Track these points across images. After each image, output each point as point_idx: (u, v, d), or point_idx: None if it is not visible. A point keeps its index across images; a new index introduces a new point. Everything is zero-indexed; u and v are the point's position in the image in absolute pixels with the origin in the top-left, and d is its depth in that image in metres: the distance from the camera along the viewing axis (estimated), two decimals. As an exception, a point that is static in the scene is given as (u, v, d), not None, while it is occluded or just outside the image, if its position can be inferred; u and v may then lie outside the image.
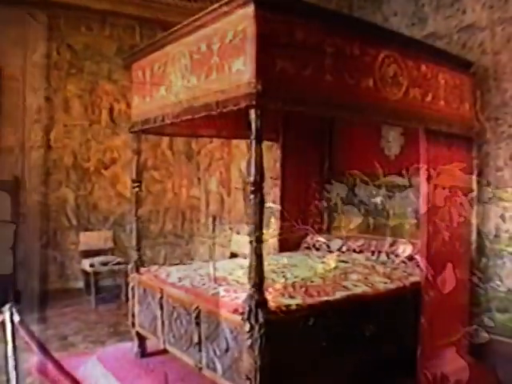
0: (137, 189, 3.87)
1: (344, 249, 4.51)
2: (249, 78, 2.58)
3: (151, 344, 3.79)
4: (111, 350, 4.10)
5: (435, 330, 3.35)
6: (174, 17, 6.19)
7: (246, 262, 3.72)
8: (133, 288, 3.83)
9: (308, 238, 4.87)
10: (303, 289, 3.13)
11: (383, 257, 4.15)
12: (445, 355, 3.34)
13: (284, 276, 3.37)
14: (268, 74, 2.60)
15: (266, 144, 5.99)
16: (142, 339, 3.81)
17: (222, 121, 4.06)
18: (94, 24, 6.54)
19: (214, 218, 6.78)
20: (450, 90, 3.65)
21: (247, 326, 2.59)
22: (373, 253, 4.25)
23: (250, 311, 2.59)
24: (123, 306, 5.81)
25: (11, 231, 5.57)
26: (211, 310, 2.94)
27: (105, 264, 6.04)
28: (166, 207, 7.13)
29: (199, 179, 7.28)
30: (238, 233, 6.42)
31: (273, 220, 5.47)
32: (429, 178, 3.48)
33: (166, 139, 7.04)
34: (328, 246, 4.63)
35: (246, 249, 6.22)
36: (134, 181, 3.86)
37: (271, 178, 5.72)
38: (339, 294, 3.08)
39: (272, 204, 5.67)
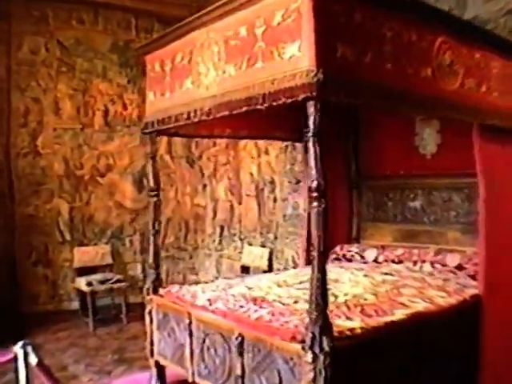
0: (155, 198, 3.59)
1: (381, 259, 4.28)
2: (307, 65, 2.33)
3: (170, 373, 3.52)
4: (123, 383, 3.74)
5: (498, 355, 3.12)
6: (174, 9, 5.99)
7: (279, 278, 3.68)
8: (150, 312, 3.55)
9: (337, 249, 4.65)
10: (358, 308, 2.89)
11: (427, 267, 3.92)
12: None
13: (333, 294, 3.10)
14: (329, 61, 2.35)
15: (278, 145, 5.92)
16: (161, 370, 3.53)
17: (252, 119, 3.70)
18: (85, 17, 6.39)
19: (222, 228, 6.85)
20: (503, 80, 3.44)
21: (309, 356, 2.31)
22: (415, 263, 4.03)
23: (313, 338, 2.31)
24: (124, 328, 5.67)
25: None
26: (258, 337, 2.66)
27: (103, 282, 5.91)
28: (167, 217, 7.00)
29: (205, 186, 7.17)
30: (251, 244, 6.30)
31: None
32: (486, 179, 3.25)
33: (163, 143, 6.94)
34: (362, 257, 4.40)
35: (260, 261, 6.11)
36: (151, 189, 3.60)
37: (290, 182, 5.52)
38: (400, 313, 2.85)
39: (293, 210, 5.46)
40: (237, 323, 2.80)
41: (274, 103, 2.47)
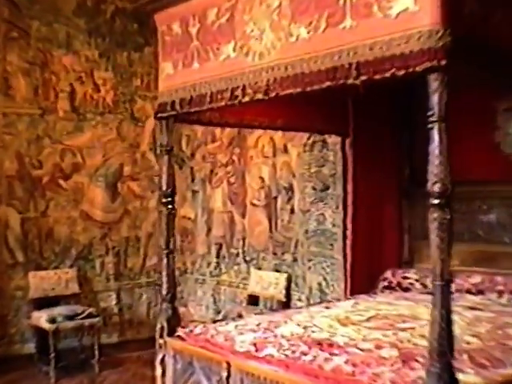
0: (169, 206, 3.41)
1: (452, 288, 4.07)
2: (428, 23, 2.13)
3: None
4: None
5: None
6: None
7: (335, 313, 3.50)
8: (163, 360, 3.37)
9: (388, 274, 4.54)
10: (464, 355, 2.68)
11: (518, 299, 3.79)
12: None
13: (420, 335, 2.90)
14: (457, 18, 2.17)
15: (300, 141, 5.68)
16: None
17: (290, 105, 3.71)
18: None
19: (220, 247, 6.58)
20: None
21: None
22: (500, 294, 3.90)
23: (437, 402, 2.08)
24: (97, 379, 5.50)
25: None
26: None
27: (70, 318, 5.63)
28: (148, 232, 6.87)
29: (195, 193, 7.00)
30: (259, 267, 6.11)
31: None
32: None
33: (146, 135, 6.85)
34: (424, 286, 4.18)
35: (275, 290, 5.86)
36: (164, 195, 3.43)
37: (314, 188, 5.45)
38: (521, 362, 2.64)
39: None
40: (306, 377, 2.60)
41: (376, 76, 2.29)
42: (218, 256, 6.65)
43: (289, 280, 5.69)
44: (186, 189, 7.04)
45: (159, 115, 3.37)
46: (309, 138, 5.50)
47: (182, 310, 6.64)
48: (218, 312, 6.35)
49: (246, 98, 2.83)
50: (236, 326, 3.32)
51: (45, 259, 6.19)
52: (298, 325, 3.23)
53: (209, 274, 6.76)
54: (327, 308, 3.75)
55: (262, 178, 6.09)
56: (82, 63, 6.37)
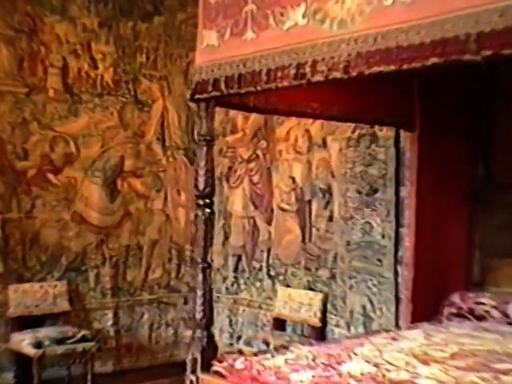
0: (207, 210, 3.36)
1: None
2: None
3: None
4: None
5: None
6: None
7: (408, 348, 3.39)
8: None
9: (456, 298, 4.44)
10: None
11: None
12: None
13: None
14: None
15: (343, 135, 5.60)
16: None
17: (347, 90, 3.70)
18: None
19: (239, 259, 6.46)
20: None
21: None
22: None
23: None
24: None
25: None
26: None
27: (60, 341, 5.57)
28: (152, 240, 6.86)
29: None
30: (288, 285, 6.11)
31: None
32: None
33: (154, 122, 6.81)
34: (505, 315, 4.15)
35: (307, 312, 5.76)
36: (201, 195, 3.36)
37: (359, 192, 5.42)
38: None
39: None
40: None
41: (505, 51, 2.12)
42: (235, 270, 6.67)
43: (325, 301, 5.65)
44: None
45: (197, 96, 3.28)
46: (354, 131, 5.43)
47: (189, 333, 6.71)
48: (239, 338, 6.28)
49: (318, 77, 2.72)
50: (286, 361, 3.24)
51: (28, 270, 6.13)
52: (367, 361, 3.13)
53: (224, 291, 6.76)
54: (394, 339, 3.65)
55: (292, 178, 6.07)
56: (78, 33, 6.30)
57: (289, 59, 2.82)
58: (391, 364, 3.08)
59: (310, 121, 5.68)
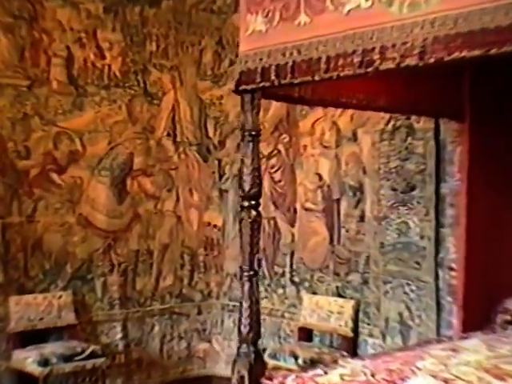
0: (253, 213, 3.33)
1: None
2: None
3: None
4: None
5: None
6: None
7: (472, 359, 3.33)
8: None
9: (510, 305, 4.37)
10: None
11: None
12: None
13: None
14: None
15: (376, 127, 5.59)
16: None
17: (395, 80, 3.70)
18: None
19: (259, 264, 6.49)
20: None
21: None
22: None
23: None
24: None
25: None
26: None
27: (67, 358, 5.56)
28: (162, 244, 6.88)
29: (223, 193, 7.10)
30: (315, 292, 6.10)
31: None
32: None
33: (164, 119, 6.83)
34: None
35: (337, 322, 5.84)
36: (247, 196, 3.35)
37: (394, 189, 5.40)
38: None
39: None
40: None
41: None
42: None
43: (357, 308, 5.64)
44: (211, 187, 7.11)
45: (242, 87, 3.26)
46: (388, 123, 5.41)
47: (203, 346, 7.03)
48: (262, 350, 6.17)
49: (388, 65, 2.68)
50: (342, 377, 3.20)
51: (31, 279, 6.10)
52: (433, 376, 3.06)
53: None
54: (454, 351, 3.59)
55: (319, 175, 6.06)
56: (83, 20, 6.29)
57: (352, 45, 2.79)
58: (462, 379, 3.03)
59: (338, 112, 5.70)
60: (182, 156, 6.96)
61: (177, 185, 6.94)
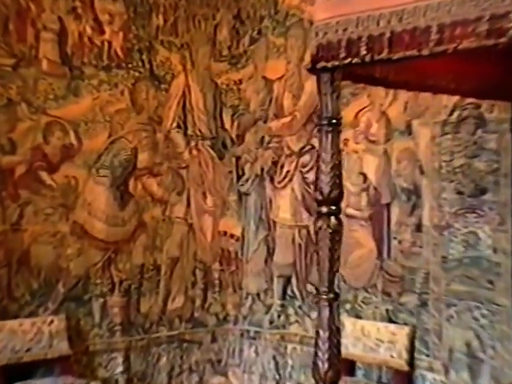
0: (333, 220, 3.20)
1: None
2: None
3: None
4: None
5: None
6: None
7: None
8: None
9: None
10: None
11: None
12: None
13: None
14: None
15: (434, 119, 5.55)
16: None
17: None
18: None
19: (288, 282, 6.66)
20: None
21: None
22: None
23: None
24: None
25: None
26: None
27: None
28: (171, 257, 6.94)
29: (242, 196, 7.23)
30: (359, 316, 6.08)
31: None
32: None
33: (173, 107, 6.91)
34: None
35: (388, 351, 5.83)
36: (325, 200, 3.22)
37: (460, 193, 5.36)
38: None
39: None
40: None
41: None
42: (283, 296, 6.75)
43: (412, 336, 5.59)
44: (228, 190, 7.23)
45: (321, 64, 3.08)
46: (451, 113, 5.34)
47: (218, 380, 7.08)
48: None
49: None
50: None
51: (15, 300, 6.07)
52: None
53: (267, 325, 6.85)
54: None
55: (363, 175, 6.08)
56: None
57: (476, 10, 2.56)
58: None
59: (388, 101, 5.70)
60: (194, 152, 7.05)
61: (188, 187, 7.02)
